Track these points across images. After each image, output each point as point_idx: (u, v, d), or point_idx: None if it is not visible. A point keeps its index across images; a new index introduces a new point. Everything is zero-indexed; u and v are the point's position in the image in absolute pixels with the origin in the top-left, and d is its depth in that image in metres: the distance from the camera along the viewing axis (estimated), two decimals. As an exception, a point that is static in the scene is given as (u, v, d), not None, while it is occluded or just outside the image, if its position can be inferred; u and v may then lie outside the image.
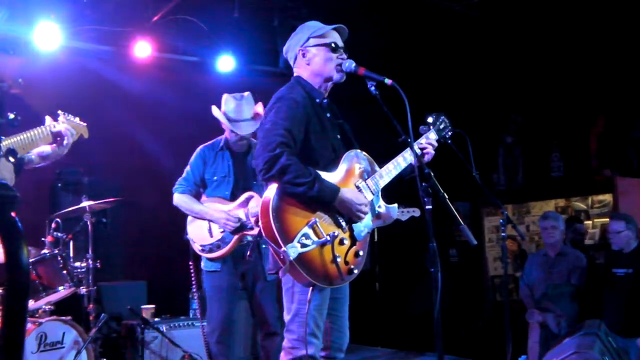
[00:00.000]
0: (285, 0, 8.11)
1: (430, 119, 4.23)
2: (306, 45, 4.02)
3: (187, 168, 5.48)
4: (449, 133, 4.31)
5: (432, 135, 4.20)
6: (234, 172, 5.36)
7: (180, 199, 5.41)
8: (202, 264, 5.41)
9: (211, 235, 5.28)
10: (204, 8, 7.87)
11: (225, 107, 5.38)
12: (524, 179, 9.15)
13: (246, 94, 5.44)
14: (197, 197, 5.44)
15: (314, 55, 4.01)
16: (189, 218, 5.44)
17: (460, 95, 8.81)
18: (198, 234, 5.34)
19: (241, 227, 5.17)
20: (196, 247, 5.36)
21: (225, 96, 5.45)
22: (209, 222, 5.29)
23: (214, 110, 5.40)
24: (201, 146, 5.52)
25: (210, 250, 5.26)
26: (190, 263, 5.75)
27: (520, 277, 7.72)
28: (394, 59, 8.36)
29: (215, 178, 5.39)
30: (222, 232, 5.22)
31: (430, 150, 4.11)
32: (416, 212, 6.14)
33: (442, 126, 4.28)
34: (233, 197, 5.30)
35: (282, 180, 3.59)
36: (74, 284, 5.95)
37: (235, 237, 5.18)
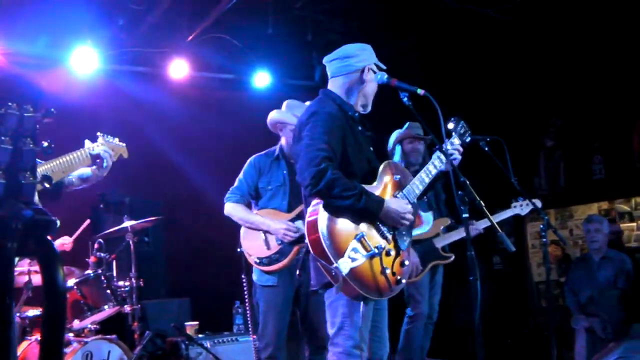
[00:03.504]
0: (318, 14, 8.14)
1: (450, 125, 4.23)
2: (370, 67, 4.07)
3: (240, 177, 5.33)
4: (469, 138, 4.31)
5: (456, 141, 4.22)
6: (290, 182, 5.18)
7: (233, 209, 5.24)
8: (255, 277, 5.25)
9: (268, 248, 5.12)
10: (238, 25, 7.94)
11: (295, 112, 5.16)
12: (566, 182, 9.03)
13: (307, 103, 5.33)
14: (249, 207, 5.31)
15: (371, 80, 4.07)
16: (242, 230, 5.28)
17: (499, 101, 8.75)
18: (254, 246, 5.18)
19: (301, 239, 4.92)
20: (252, 260, 5.19)
21: (290, 101, 5.31)
22: (264, 233, 5.13)
23: (280, 113, 5.24)
24: (254, 155, 5.38)
25: (269, 263, 5.11)
26: (243, 276, 5.71)
27: (565, 282, 7.62)
28: (430, 67, 8.34)
29: (269, 187, 5.22)
30: (279, 244, 5.07)
31: (457, 155, 4.11)
32: (536, 203, 6.00)
33: (462, 131, 4.29)
34: (290, 208, 5.14)
35: (330, 194, 3.62)
36: (118, 302, 6.04)
37: (295, 248, 5.02)
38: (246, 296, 5.86)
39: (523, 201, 6.06)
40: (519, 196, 6.05)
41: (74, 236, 6.19)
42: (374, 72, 4.07)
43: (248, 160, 5.39)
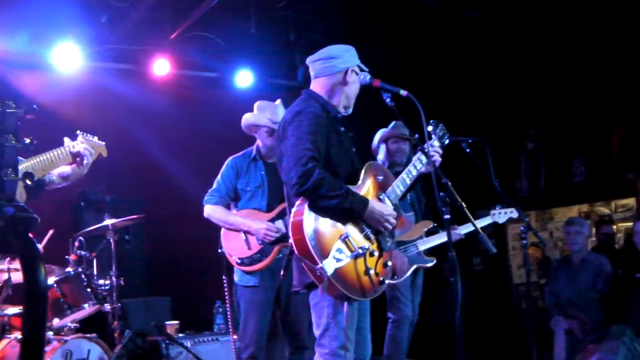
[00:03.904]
0: (301, 15, 8.14)
1: (429, 128, 4.26)
2: (353, 69, 4.07)
3: (218, 179, 5.35)
4: (447, 140, 4.36)
5: (435, 143, 4.25)
6: (268, 182, 5.22)
7: (212, 211, 5.26)
8: (236, 277, 5.27)
9: (249, 248, 5.13)
10: (221, 24, 7.91)
11: (266, 113, 5.26)
12: (546, 185, 9.08)
13: (278, 101, 5.36)
14: (228, 209, 5.33)
15: (354, 81, 4.08)
16: (223, 231, 5.29)
17: (480, 104, 8.79)
18: (235, 246, 5.19)
19: (282, 238, 5.01)
20: (233, 261, 5.21)
21: (260, 103, 5.36)
22: (244, 233, 5.15)
23: (253, 116, 5.29)
24: (231, 157, 5.41)
25: (250, 263, 5.12)
26: (224, 277, 5.71)
27: (545, 283, 7.67)
28: (411, 69, 8.36)
29: (248, 188, 5.25)
30: (260, 244, 5.09)
31: (437, 157, 4.15)
32: (514, 213, 6.12)
33: (441, 134, 4.33)
34: (269, 208, 5.18)
35: (317, 194, 3.63)
36: (98, 301, 6.01)
37: (275, 248, 5.05)
38: (227, 297, 5.85)
39: (501, 209, 6.12)
40: (497, 204, 6.10)
41: (41, 246, 6.09)
42: (357, 74, 4.09)
43: (225, 162, 5.41)
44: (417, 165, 4.13)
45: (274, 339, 5.51)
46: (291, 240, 3.72)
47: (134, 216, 6.52)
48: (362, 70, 4.11)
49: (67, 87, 7.52)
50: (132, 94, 8.00)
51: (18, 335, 5.48)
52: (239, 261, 5.18)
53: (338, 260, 3.59)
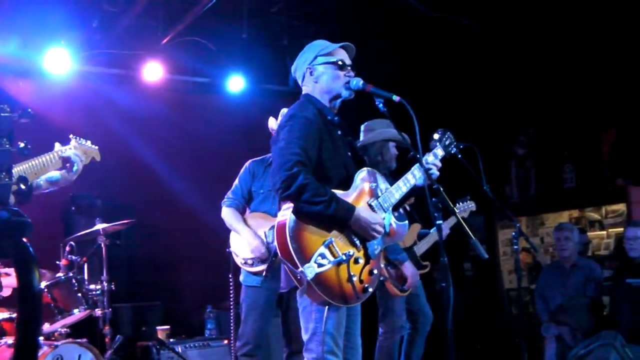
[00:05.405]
0: (293, 20, 8.15)
1: (436, 136, 4.24)
2: (314, 64, 4.06)
3: (236, 182, 5.51)
4: (454, 149, 4.30)
5: (439, 152, 4.19)
6: None
7: (225, 213, 5.44)
8: (242, 277, 5.43)
9: None
10: (213, 29, 7.92)
11: None
12: (537, 190, 9.10)
13: None
14: (244, 211, 5.49)
15: (322, 73, 4.04)
16: (232, 231, 5.47)
17: (470, 109, 8.81)
18: (240, 247, 5.34)
19: None
20: (238, 260, 5.36)
21: (284, 110, 5.38)
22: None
23: (275, 122, 5.32)
24: (250, 160, 5.56)
25: (253, 265, 5.26)
26: (230, 276, 5.77)
27: (535, 289, 7.68)
28: (403, 74, 8.38)
29: (261, 191, 5.40)
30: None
31: (435, 171, 4.08)
32: (472, 206, 6.26)
33: (447, 142, 4.27)
34: None
35: (300, 199, 3.61)
36: (89, 306, 5.99)
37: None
38: (232, 296, 5.88)
39: (461, 204, 6.19)
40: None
41: None
42: (327, 63, 4.02)
43: (244, 165, 5.55)
44: (417, 173, 4.06)
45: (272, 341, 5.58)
46: (275, 243, 3.72)
47: (125, 221, 6.51)
48: (327, 55, 4.03)
49: (59, 92, 7.52)
50: (124, 99, 8.01)
51: (8, 340, 5.46)
52: (242, 261, 5.32)
53: (320, 265, 3.58)
